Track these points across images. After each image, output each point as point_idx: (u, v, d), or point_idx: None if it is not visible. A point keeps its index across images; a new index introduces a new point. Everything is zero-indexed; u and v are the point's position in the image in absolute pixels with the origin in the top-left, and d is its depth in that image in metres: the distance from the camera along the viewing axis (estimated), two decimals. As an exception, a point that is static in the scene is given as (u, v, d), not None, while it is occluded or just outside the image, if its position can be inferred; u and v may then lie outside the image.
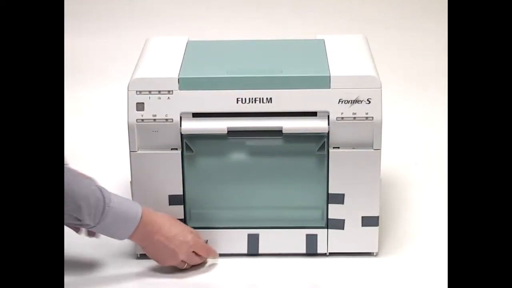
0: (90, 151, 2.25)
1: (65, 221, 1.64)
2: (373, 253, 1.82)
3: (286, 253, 1.81)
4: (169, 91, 1.72)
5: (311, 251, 1.81)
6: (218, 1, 3.36)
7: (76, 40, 2.93)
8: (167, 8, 3.31)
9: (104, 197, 1.66)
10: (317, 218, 1.80)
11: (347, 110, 1.72)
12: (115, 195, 1.69)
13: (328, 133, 1.73)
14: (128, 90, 1.73)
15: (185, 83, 1.72)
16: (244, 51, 1.87)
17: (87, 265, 1.81)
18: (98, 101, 2.57)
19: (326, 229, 1.80)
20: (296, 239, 1.80)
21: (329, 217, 1.79)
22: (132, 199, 1.77)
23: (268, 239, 1.81)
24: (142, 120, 1.73)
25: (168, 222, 1.73)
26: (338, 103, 1.72)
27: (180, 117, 1.73)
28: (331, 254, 1.82)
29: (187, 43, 1.88)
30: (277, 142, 1.75)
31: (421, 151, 2.27)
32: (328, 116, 1.72)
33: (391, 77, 2.43)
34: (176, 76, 1.73)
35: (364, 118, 1.72)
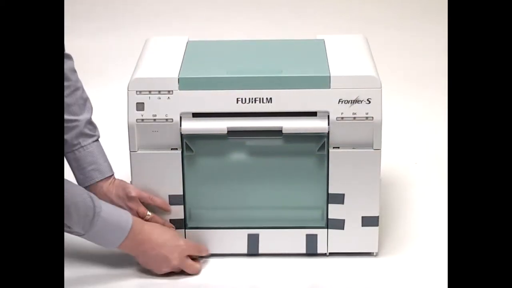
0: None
1: None
2: (373, 253, 1.82)
3: (286, 253, 1.81)
4: (169, 91, 1.72)
5: (311, 251, 1.81)
6: (218, 1, 3.36)
7: (76, 40, 2.93)
8: (167, 8, 3.30)
9: (94, 206, 1.66)
10: (317, 218, 1.80)
11: (347, 110, 1.72)
12: (106, 204, 1.70)
13: (328, 133, 1.73)
14: (128, 90, 1.73)
15: (185, 83, 1.72)
16: (244, 51, 1.87)
17: (87, 265, 1.81)
18: (98, 101, 2.56)
19: (326, 229, 1.80)
20: (296, 239, 1.80)
21: (329, 217, 1.79)
22: (132, 199, 1.77)
23: (268, 239, 1.81)
24: (142, 120, 1.73)
25: (157, 229, 1.74)
26: (338, 103, 1.72)
27: (180, 117, 1.73)
28: (331, 254, 1.82)
29: (187, 43, 1.88)
30: (277, 142, 1.75)
31: (421, 151, 2.27)
32: (328, 116, 1.72)
33: (391, 77, 2.43)
34: (176, 76, 1.73)
35: (364, 118, 1.72)
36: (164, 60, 1.80)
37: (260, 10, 3.30)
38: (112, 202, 1.75)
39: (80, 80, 1.82)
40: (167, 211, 1.77)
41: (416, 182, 2.12)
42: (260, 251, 1.82)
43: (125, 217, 1.70)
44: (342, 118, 1.72)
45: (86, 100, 1.82)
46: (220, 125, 1.73)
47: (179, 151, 1.75)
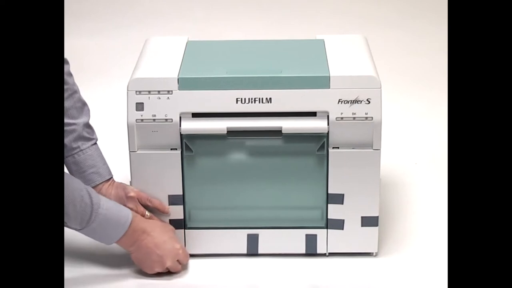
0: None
1: None
2: (372, 253, 1.82)
3: (286, 253, 1.81)
4: (168, 91, 1.72)
5: (311, 251, 1.81)
6: (218, 1, 3.36)
7: (76, 40, 2.93)
8: (166, 8, 3.30)
9: (92, 203, 1.66)
10: (317, 218, 1.80)
11: (347, 110, 1.72)
12: (106, 199, 1.69)
13: (328, 133, 1.73)
14: (127, 90, 1.73)
15: (185, 83, 1.72)
16: (244, 51, 1.87)
17: (87, 264, 1.80)
18: (98, 101, 2.56)
19: (325, 229, 1.80)
20: (295, 239, 1.80)
21: (329, 217, 1.79)
22: (132, 199, 1.77)
23: (268, 239, 1.81)
24: (142, 120, 1.73)
25: (158, 228, 1.74)
26: (338, 103, 1.72)
27: (180, 117, 1.73)
28: (331, 254, 1.82)
29: (186, 43, 1.88)
30: (276, 142, 1.74)
31: (421, 151, 2.27)
32: (328, 116, 1.72)
33: (390, 77, 2.43)
34: (176, 76, 1.73)
35: (364, 118, 1.72)
36: (163, 60, 1.80)
37: (260, 10, 3.30)
38: None
39: (76, 84, 1.82)
40: (165, 213, 1.77)
41: (416, 182, 2.12)
42: (260, 251, 1.82)
43: (124, 213, 1.70)
44: (342, 118, 1.72)
45: (84, 103, 1.82)
46: (220, 125, 1.73)
47: (179, 151, 1.75)
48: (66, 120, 1.77)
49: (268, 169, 1.76)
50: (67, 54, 1.80)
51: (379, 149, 1.74)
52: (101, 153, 1.81)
